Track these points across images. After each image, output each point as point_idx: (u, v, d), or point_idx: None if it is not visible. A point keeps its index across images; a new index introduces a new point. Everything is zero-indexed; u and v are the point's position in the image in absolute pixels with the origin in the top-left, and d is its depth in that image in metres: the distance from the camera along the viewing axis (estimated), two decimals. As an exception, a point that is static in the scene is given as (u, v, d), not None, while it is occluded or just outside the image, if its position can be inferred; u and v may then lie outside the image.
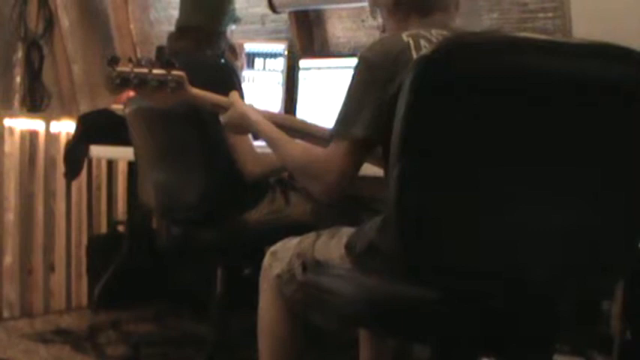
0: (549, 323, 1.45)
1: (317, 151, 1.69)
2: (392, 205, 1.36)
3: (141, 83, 1.76)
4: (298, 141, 1.84)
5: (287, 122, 1.99)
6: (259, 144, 2.18)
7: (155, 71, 1.78)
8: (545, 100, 1.33)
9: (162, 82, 1.79)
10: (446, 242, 1.35)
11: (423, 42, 1.61)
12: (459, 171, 1.33)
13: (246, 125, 1.89)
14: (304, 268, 1.75)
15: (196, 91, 1.88)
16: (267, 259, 1.85)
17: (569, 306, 1.47)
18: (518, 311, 1.40)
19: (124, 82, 1.75)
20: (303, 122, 2.17)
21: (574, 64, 1.35)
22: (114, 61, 1.75)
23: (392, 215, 1.37)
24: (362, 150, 1.61)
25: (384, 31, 1.81)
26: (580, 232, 1.40)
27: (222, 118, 1.92)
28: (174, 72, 1.80)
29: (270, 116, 1.93)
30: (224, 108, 1.91)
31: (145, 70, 1.77)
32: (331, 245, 1.72)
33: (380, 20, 1.81)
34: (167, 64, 1.80)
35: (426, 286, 1.39)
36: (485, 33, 1.43)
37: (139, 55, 3.98)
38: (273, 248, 1.86)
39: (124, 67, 1.75)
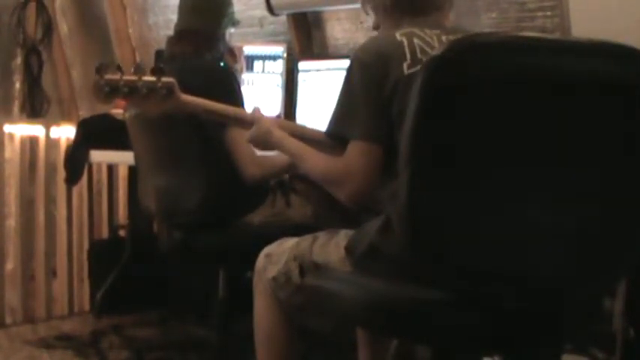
0: (558, 323, 1.44)
1: (336, 158, 1.67)
2: (402, 207, 1.34)
3: (131, 91, 1.73)
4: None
5: (302, 131, 1.94)
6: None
7: (145, 78, 1.75)
8: (557, 100, 1.31)
9: (152, 90, 1.76)
10: (456, 243, 1.34)
11: (416, 41, 1.60)
12: (470, 172, 1.32)
13: (271, 142, 1.86)
14: (302, 271, 1.75)
15: (187, 98, 1.85)
16: (261, 261, 1.84)
17: (577, 305, 1.46)
18: (528, 311, 1.38)
19: (113, 91, 1.72)
20: (310, 129, 2.15)
21: (587, 63, 1.33)
22: (102, 69, 1.72)
23: (402, 217, 1.36)
24: (375, 148, 1.60)
25: (377, 28, 1.80)
26: (587, 230, 1.39)
27: (248, 136, 1.89)
28: (164, 79, 1.78)
29: (285, 126, 1.90)
30: (248, 122, 1.88)
31: (134, 78, 1.74)
32: (330, 248, 1.72)
33: (371, 16, 1.80)
34: (156, 72, 1.77)
35: (434, 287, 1.38)
36: (496, 33, 1.41)
37: (137, 60, 3.98)
38: (267, 250, 1.85)
39: (112, 76, 1.72)
